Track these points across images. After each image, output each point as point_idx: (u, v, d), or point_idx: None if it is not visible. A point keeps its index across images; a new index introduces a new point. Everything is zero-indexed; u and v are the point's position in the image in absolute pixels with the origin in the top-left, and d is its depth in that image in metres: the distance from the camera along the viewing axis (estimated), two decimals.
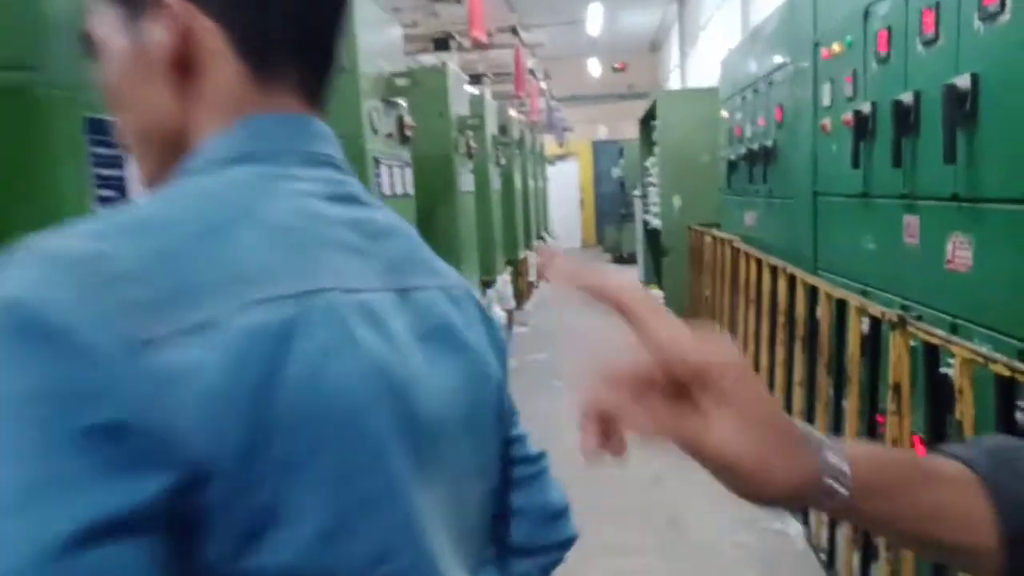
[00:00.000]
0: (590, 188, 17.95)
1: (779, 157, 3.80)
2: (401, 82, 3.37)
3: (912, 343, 2.04)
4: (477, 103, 6.87)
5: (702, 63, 11.21)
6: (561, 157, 17.18)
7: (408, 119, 3.68)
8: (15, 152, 1.08)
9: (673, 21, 13.96)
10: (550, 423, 5.10)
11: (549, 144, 15.13)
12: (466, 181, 5.50)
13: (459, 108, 5.36)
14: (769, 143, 3.90)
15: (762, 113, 4.10)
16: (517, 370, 6.08)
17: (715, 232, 5.39)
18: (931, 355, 1.93)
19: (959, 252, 2.02)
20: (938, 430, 1.92)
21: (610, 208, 16.72)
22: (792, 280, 3.24)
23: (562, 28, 13.96)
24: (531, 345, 6.98)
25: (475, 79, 7.16)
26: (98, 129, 1.16)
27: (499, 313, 6.00)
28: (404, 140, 3.68)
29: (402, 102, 3.62)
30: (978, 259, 1.93)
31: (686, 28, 12.73)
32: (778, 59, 3.72)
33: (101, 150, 1.17)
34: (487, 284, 6.95)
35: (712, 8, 10.06)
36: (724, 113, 5.23)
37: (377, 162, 3.27)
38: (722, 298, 5.08)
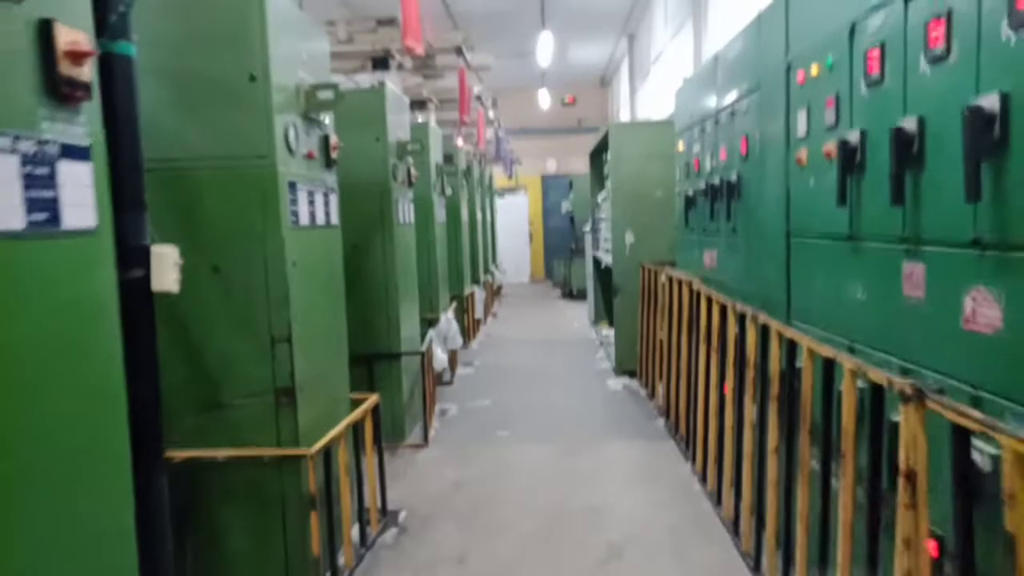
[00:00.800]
0: (539, 222, 17.70)
1: (744, 193, 3.49)
2: (324, 95, 2.94)
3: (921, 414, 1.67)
4: (420, 129, 6.47)
5: (653, 98, 11.12)
6: (510, 190, 16.90)
7: (334, 138, 3.24)
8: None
9: (623, 55, 13.94)
10: (494, 481, 4.70)
11: (498, 176, 14.85)
12: (405, 211, 5.06)
13: (399, 132, 4.94)
14: (732, 177, 3.59)
15: (724, 145, 3.80)
16: (458, 418, 5.58)
17: (671, 271, 5.07)
18: (959, 438, 1.55)
19: (982, 309, 1.67)
20: (967, 533, 1.54)
21: (559, 243, 16.49)
22: (765, 330, 2.88)
23: (512, 60, 13.78)
24: (475, 388, 6.50)
25: (419, 105, 6.77)
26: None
27: (441, 356, 5.52)
28: (329, 163, 3.23)
29: (326, 119, 3.17)
30: (1010, 318, 1.58)
31: (636, 62, 12.69)
32: (742, 86, 3.42)
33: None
34: (430, 323, 6.47)
35: (663, 42, 9.97)
36: (680, 146, 4.95)
37: (293, 187, 2.82)
38: (679, 342, 4.73)
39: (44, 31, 1.44)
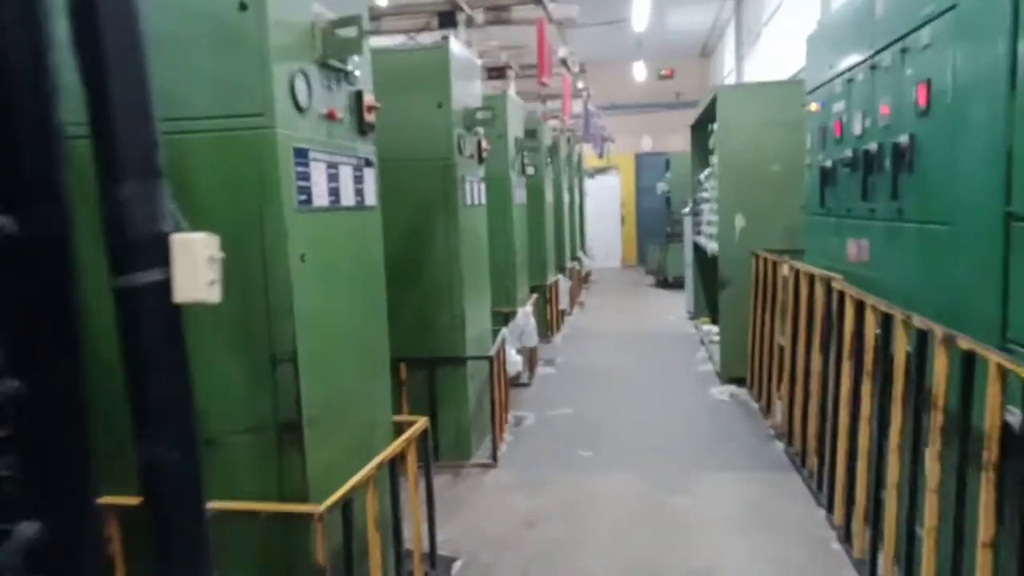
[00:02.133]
0: (632, 204, 16.67)
1: (921, 160, 2.53)
2: (346, 32, 2.24)
3: None
4: (497, 100, 5.71)
5: (764, 64, 9.90)
6: (601, 170, 15.96)
7: (369, 97, 2.54)
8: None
9: (729, 20, 12.65)
10: (572, 520, 3.48)
11: (588, 155, 13.95)
12: (474, 191, 4.33)
13: (467, 100, 4.20)
14: (901, 140, 2.63)
15: (886, 98, 2.83)
16: (534, 430, 4.84)
17: (796, 263, 4.10)
18: None
19: None
20: None
21: (654, 226, 15.39)
22: (968, 361, 1.96)
23: (604, 30, 12.77)
24: (556, 393, 5.73)
25: (496, 72, 6.01)
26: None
27: (515, 358, 4.79)
28: (363, 128, 2.53)
29: (356, 72, 2.47)
30: None
31: (744, 26, 11.42)
32: (923, 9, 2.45)
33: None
34: (506, 318, 5.76)
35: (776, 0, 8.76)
36: (812, 107, 3.96)
37: (303, 155, 2.14)
38: (808, 353, 3.79)
39: None
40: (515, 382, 5.84)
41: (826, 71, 3.73)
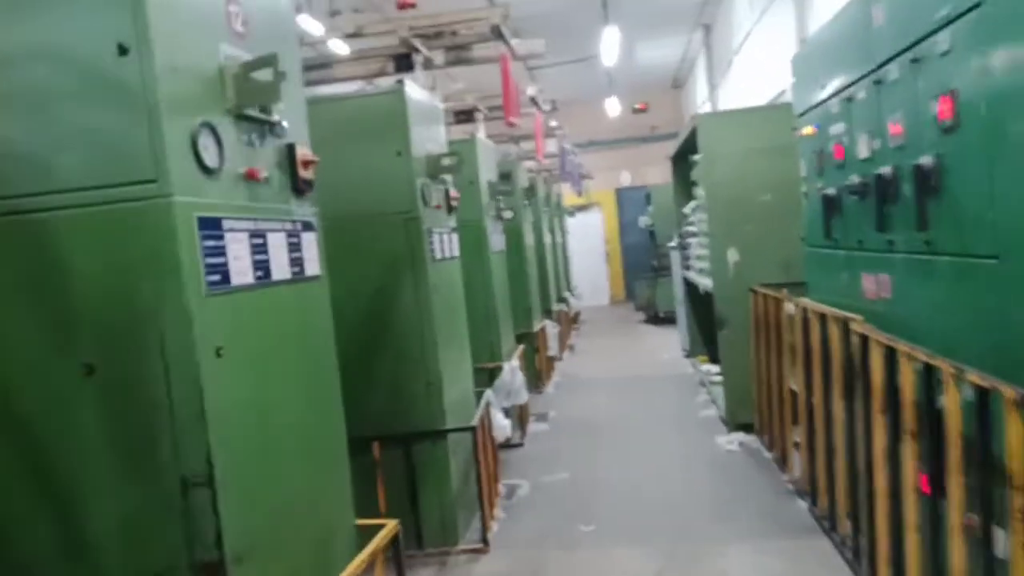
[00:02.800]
0: (616, 239, 16.41)
1: (951, 183, 2.18)
2: (261, 75, 1.88)
3: None
4: (466, 145, 5.40)
5: (738, 92, 9.72)
6: (582, 207, 15.70)
7: (303, 151, 2.17)
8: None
9: (698, 50, 12.57)
10: None
11: (567, 194, 13.70)
12: (445, 243, 3.95)
13: (429, 145, 3.85)
14: (924, 161, 2.28)
15: (896, 115, 2.49)
16: (529, 501, 4.38)
17: (805, 302, 3.73)
18: None
19: None
20: None
21: (640, 261, 15.09)
22: None
23: (574, 67, 12.65)
24: (550, 454, 5.28)
25: (463, 116, 5.70)
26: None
27: (503, 423, 4.35)
28: (296, 186, 2.15)
29: (281, 121, 2.09)
30: None
31: (715, 55, 11.30)
32: (938, 11, 2.13)
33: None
34: (491, 375, 5.34)
35: (748, 24, 8.60)
36: (806, 130, 3.64)
37: (213, 226, 1.76)
38: (827, 400, 3.39)
39: None
40: (506, 444, 5.38)
41: (818, 92, 3.42)
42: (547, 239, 9.27)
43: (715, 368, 6.65)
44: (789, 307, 4.09)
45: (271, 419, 1.91)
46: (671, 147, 7.61)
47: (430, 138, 3.88)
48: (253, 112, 1.91)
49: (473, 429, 3.68)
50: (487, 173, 5.59)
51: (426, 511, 3.67)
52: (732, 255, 5.18)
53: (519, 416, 5.71)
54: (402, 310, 3.58)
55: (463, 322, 4.26)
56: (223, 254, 1.74)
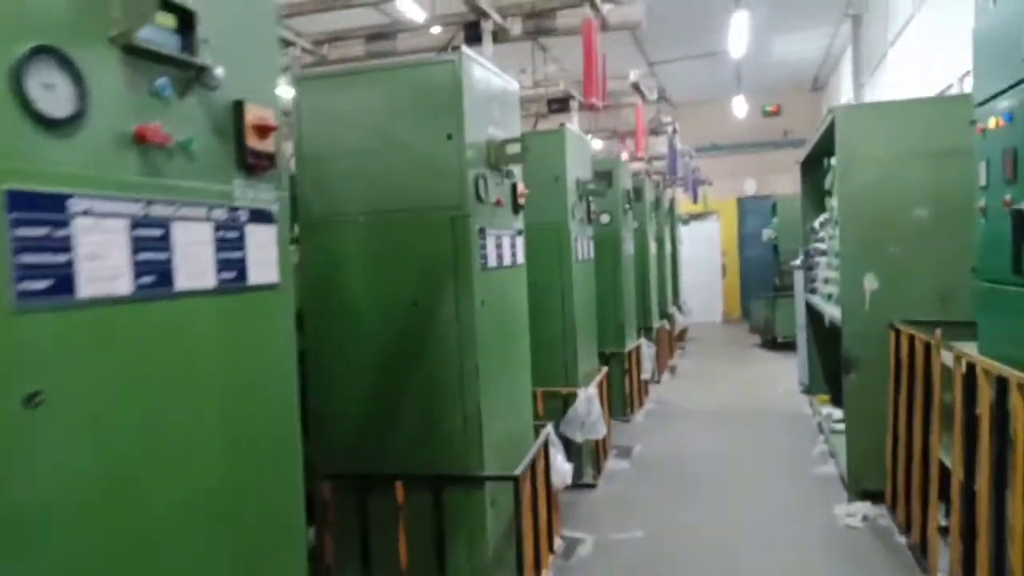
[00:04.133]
0: (734, 252, 15.15)
1: None
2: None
3: None
4: (548, 135, 4.75)
5: (890, 91, 8.42)
6: (698, 215, 14.60)
7: None
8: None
9: (845, 44, 11.19)
10: None
11: (683, 200, 12.68)
12: (502, 248, 3.30)
13: (491, 129, 3.21)
14: None
15: None
16: (587, 566, 3.63)
17: (971, 354, 2.77)
18: None
19: None
20: None
21: (759, 277, 13.81)
22: None
23: (700, 63, 11.65)
24: (626, 502, 4.50)
25: (558, 105, 5.03)
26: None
27: (564, 467, 3.64)
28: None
29: None
30: None
31: (864, 48, 9.95)
32: None
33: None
34: (565, 402, 4.65)
35: (906, 11, 7.35)
36: (990, 123, 2.68)
37: None
38: (998, 491, 2.45)
39: None
40: (575, 483, 4.66)
41: (1011, 71, 2.47)
42: (653, 248, 8.41)
43: (837, 413, 5.60)
44: (947, 356, 3.12)
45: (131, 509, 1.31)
46: (804, 150, 6.56)
47: (495, 121, 3.23)
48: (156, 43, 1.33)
49: (516, 479, 2.99)
50: (577, 169, 4.89)
51: (454, 571, 3.02)
52: (869, 282, 4.18)
53: (595, 451, 4.96)
54: (440, 328, 2.95)
55: (522, 344, 3.58)
56: (64, 248, 1.16)
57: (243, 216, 1.57)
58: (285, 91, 3.16)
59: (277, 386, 1.70)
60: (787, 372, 8.37)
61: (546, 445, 3.53)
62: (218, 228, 1.49)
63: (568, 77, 4.83)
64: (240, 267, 1.55)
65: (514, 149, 3.13)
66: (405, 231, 2.96)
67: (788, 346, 10.20)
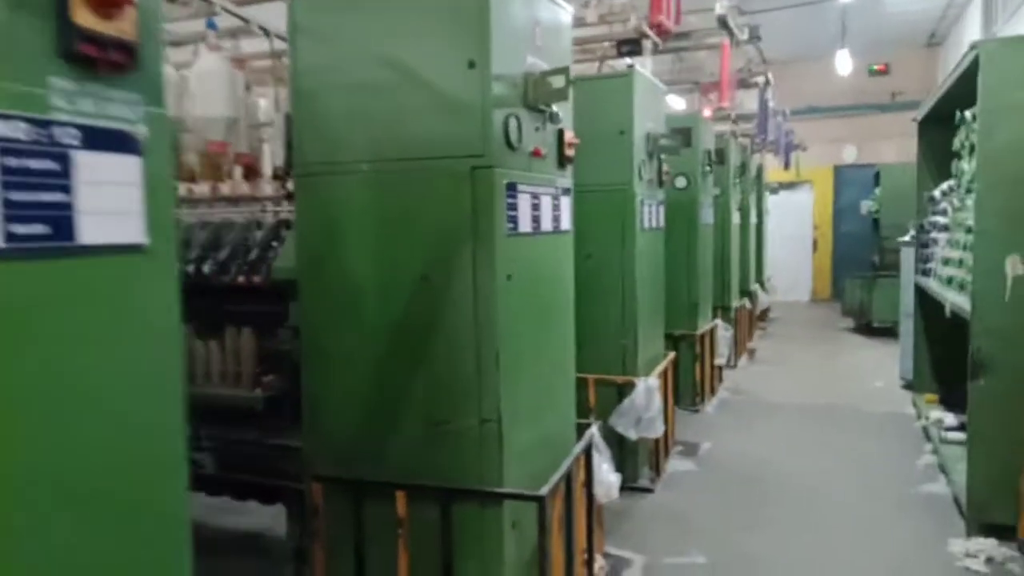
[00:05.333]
0: (827, 226, 13.92)
1: None
2: None
3: None
4: (615, 80, 4.05)
5: None
6: (789, 184, 13.43)
7: None
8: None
9: None
10: None
11: (773, 168, 11.58)
12: (542, 209, 2.67)
13: (530, 58, 2.54)
14: None
15: None
16: None
17: None
18: None
19: None
20: None
21: (855, 255, 12.59)
22: None
23: (801, 14, 10.44)
24: (688, 515, 3.84)
25: (629, 46, 4.30)
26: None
27: (610, 479, 3.01)
28: None
29: None
30: None
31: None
32: None
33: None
34: (620, 391, 4.03)
35: None
36: None
37: None
38: None
39: None
40: (628, 486, 4.04)
41: None
42: (736, 218, 7.54)
43: (950, 418, 4.75)
44: None
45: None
46: (923, 110, 5.58)
47: (537, 51, 2.56)
48: None
49: (541, 500, 2.38)
50: (648, 122, 4.17)
51: None
52: (1013, 265, 3.31)
53: (655, 448, 4.31)
54: (454, 308, 2.36)
55: (563, 326, 2.95)
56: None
57: (67, 136, 1.00)
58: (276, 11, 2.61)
59: (126, 395, 1.14)
60: (885, 363, 7.42)
61: (588, 451, 2.91)
62: (6, 152, 0.93)
63: (641, 13, 4.08)
64: (59, 218, 0.99)
65: (558, 82, 2.47)
66: (415, 185, 2.36)
67: (886, 332, 9.17)
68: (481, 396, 2.35)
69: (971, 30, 9.94)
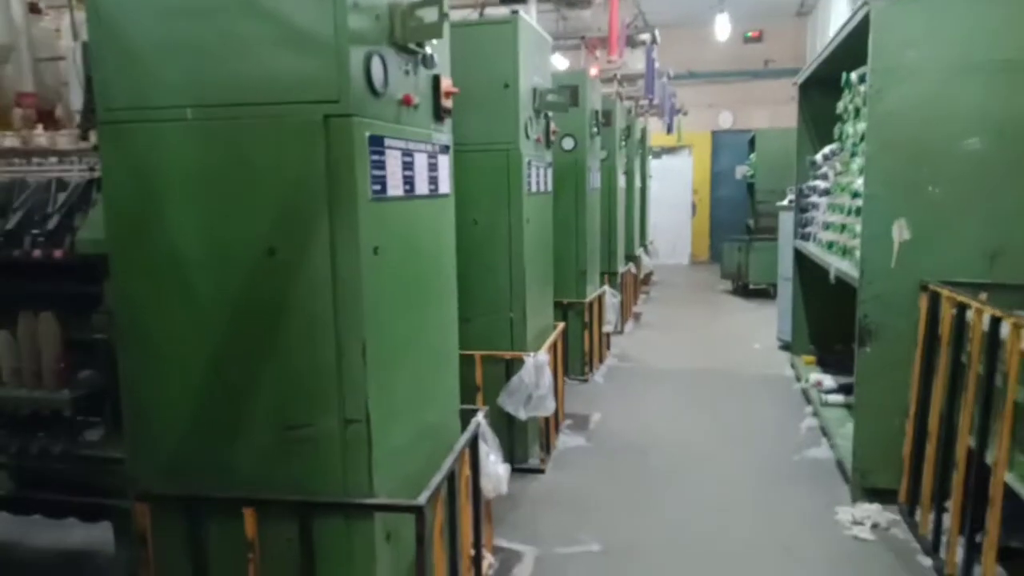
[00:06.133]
0: (706, 191, 14.27)
1: None
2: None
3: None
4: (497, 30, 3.69)
5: None
6: (670, 149, 13.63)
7: None
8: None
9: None
10: None
11: (655, 133, 11.64)
12: (416, 169, 2.28)
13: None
14: None
15: None
16: None
17: None
18: None
19: None
20: None
21: (732, 218, 13.04)
22: None
23: None
24: (578, 496, 3.66)
25: None
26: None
27: (496, 470, 2.72)
28: None
29: None
30: None
31: None
32: None
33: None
34: (508, 368, 3.76)
35: None
36: None
37: None
38: None
39: None
40: (518, 468, 3.81)
41: None
42: (621, 182, 7.42)
43: (829, 380, 4.84)
44: (1002, 327, 2.26)
45: None
46: (787, 85, 5.60)
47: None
48: None
49: (419, 510, 2.05)
50: (533, 75, 3.84)
51: None
52: (900, 230, 3.28)
53: (545, 425, 4.08)
54: (308, 288, 1.94)
55: (447, 306, 2.61)
56: None
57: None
58: None
59: None
60: (763, 324, 7.62)
61: (474, 442, 2.60)
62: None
63: None
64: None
65: (430, 16, 2.07)
66: (255, 136, 1.92)
67: (761, 294, 9.51)
68: (344, 393, 1.97)
69: (838, 1, 10.29)
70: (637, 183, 9.15)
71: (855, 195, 3.81)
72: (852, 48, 3.87)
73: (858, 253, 3.46)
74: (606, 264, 6.74)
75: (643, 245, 9.96)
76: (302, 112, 1.86)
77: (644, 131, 10.01)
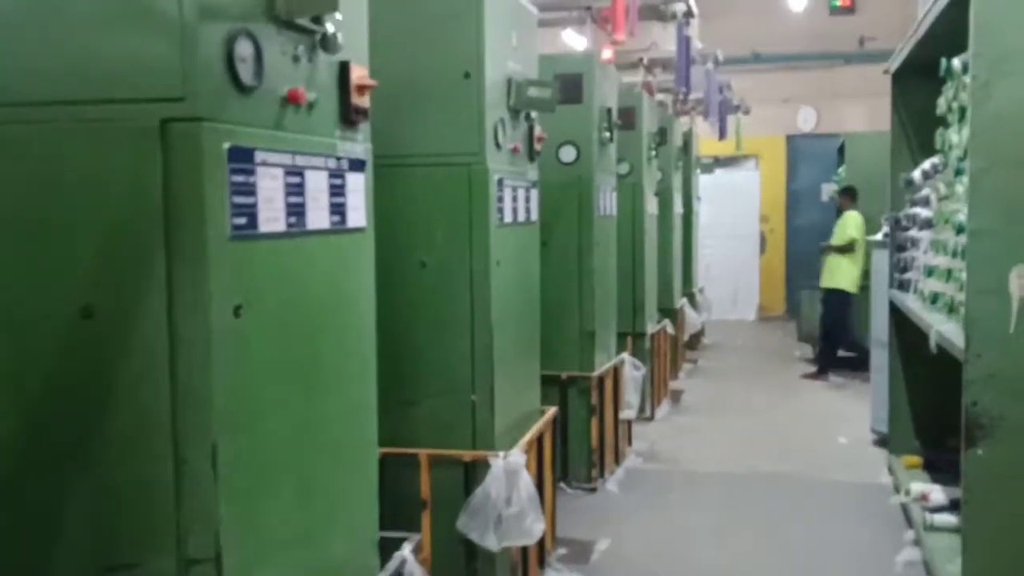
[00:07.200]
0: (780, 217, 14.42)
1: None
2: None
3: None
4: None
5: None
6: (726, 160, 13.80)
7: None
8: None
9: None
10: None
11: (704, 137, 11.83)
12: (316, 193, 2.28)
13: None
14: None
15: None
16: None
17: None
18: None
19: None
20: None
21: (816, 257, 13.06)
22: None
23: None
24: None
25: None
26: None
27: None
28: None
29: None
30: None
31: None
32: None
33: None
34: (467, 473, 3.70)
35: None
36: None
37: None
38: None
39: None
40: None
41: None
42: (651, 207, 7.48)
43: (938, 493, 4.80)
44: None
45: None
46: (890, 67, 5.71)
47: None
48: None
49: None
50: (508, 61, 3.89)
51: None
52: (1021, 280, 3.24)
53: (519, 561, 3.99)
54: (136, 368, 1.91)
55: (356, 383, 2.56)
56: None
57: None
58: None
59: None
60: (853, 407, 7.69)
61: None
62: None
63: None
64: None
65: None
66: (68, 149, 1.93)
67: (855, 366, 9.42)
68: (185, 519, 1.91)
69: None
70: (677, 208, 9.26)
71: (960, 230, 3.78)
72: (957, 24, 3.90)
73: (963, 311, 3.42)
74: (628, 323, 6.79)
75: (687, 294, 10.01)
76: (132, 114, 1.86)
77: (689, 136, 10.15)
